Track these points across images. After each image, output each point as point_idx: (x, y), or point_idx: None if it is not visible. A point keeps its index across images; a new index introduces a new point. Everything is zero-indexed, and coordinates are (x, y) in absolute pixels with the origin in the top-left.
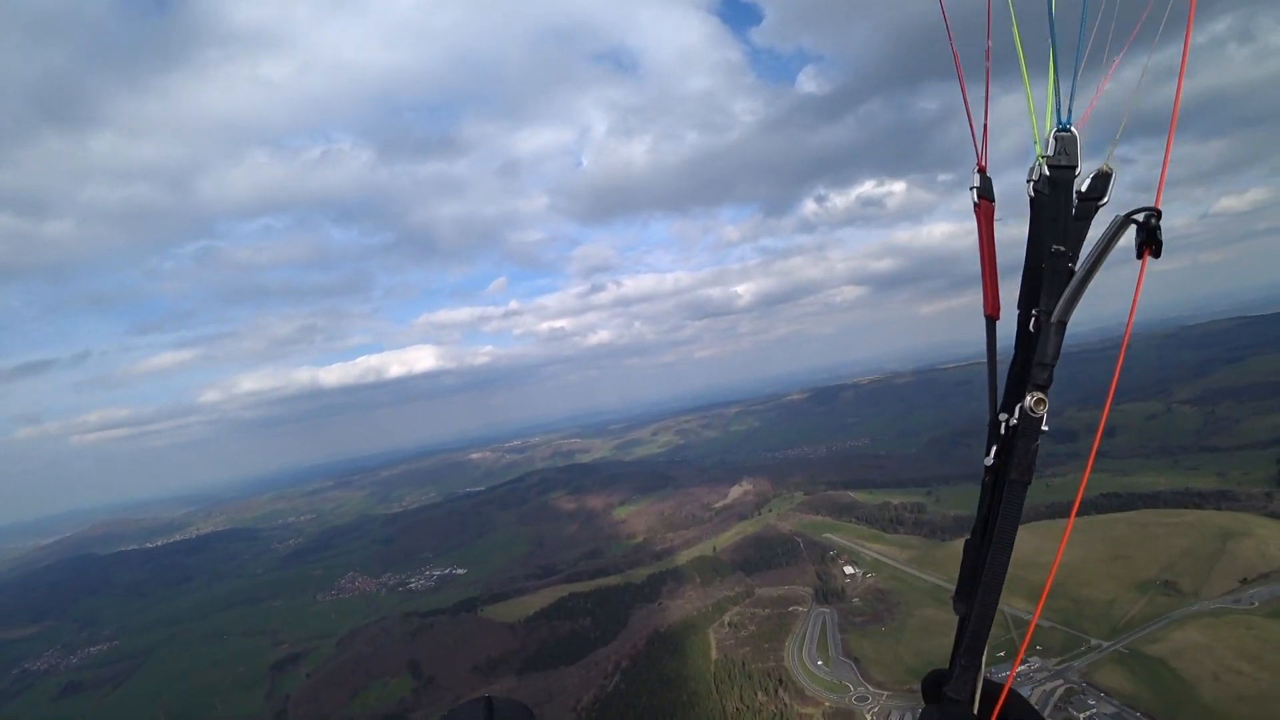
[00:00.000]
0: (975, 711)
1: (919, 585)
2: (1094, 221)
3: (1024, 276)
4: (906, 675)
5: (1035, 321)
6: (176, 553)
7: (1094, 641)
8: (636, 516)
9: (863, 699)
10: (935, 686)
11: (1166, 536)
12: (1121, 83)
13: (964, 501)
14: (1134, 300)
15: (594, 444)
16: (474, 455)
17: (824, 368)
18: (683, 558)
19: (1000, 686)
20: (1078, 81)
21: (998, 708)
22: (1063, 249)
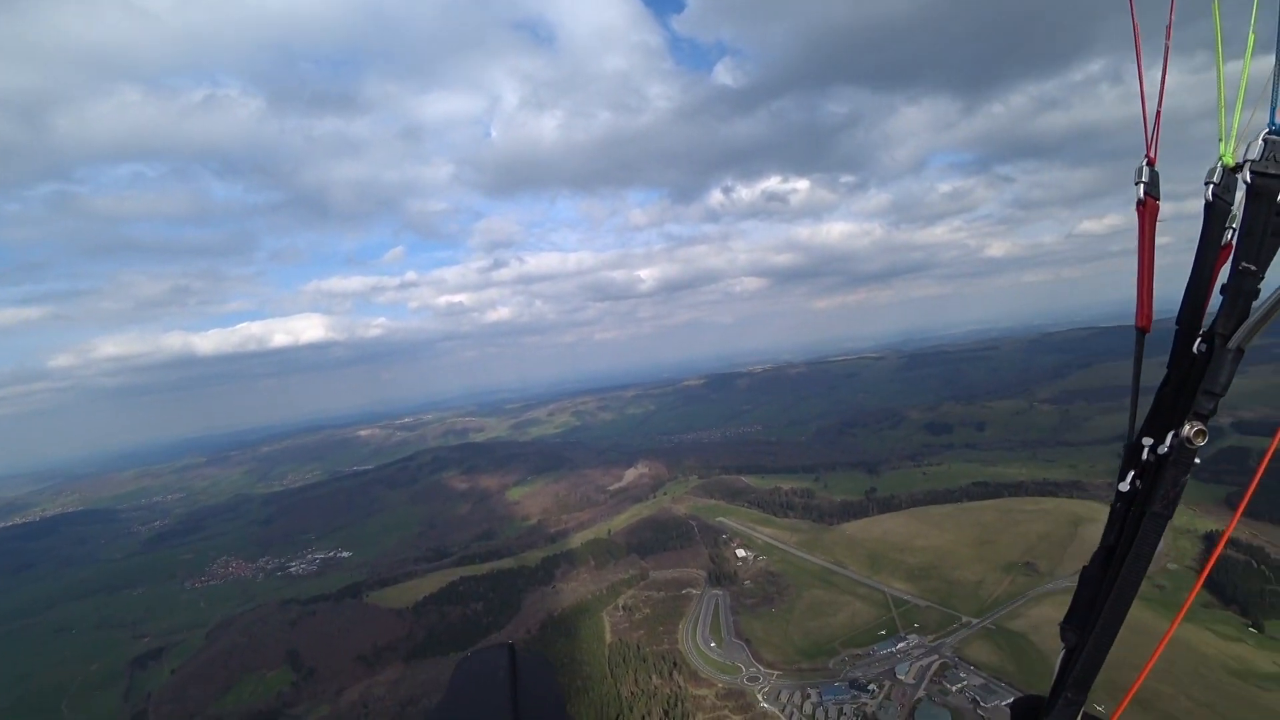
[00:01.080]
0: None
1: (808, 568)
2: None
3: (1188, 291)
4: (796, 655)
5: (1203, 344)
6: (16, 537)
7: (965, 619)
8: (531, 498)
9: (754, 679)
10: (1029, 714)
11: (1027, 522)
12: None
13: (849, 487)
14: None
15: (489, 423)
16: (363, 432)
17: (721, 355)
18: (577, 540)
19: None
20: None
21: None
22: (1254, 268)
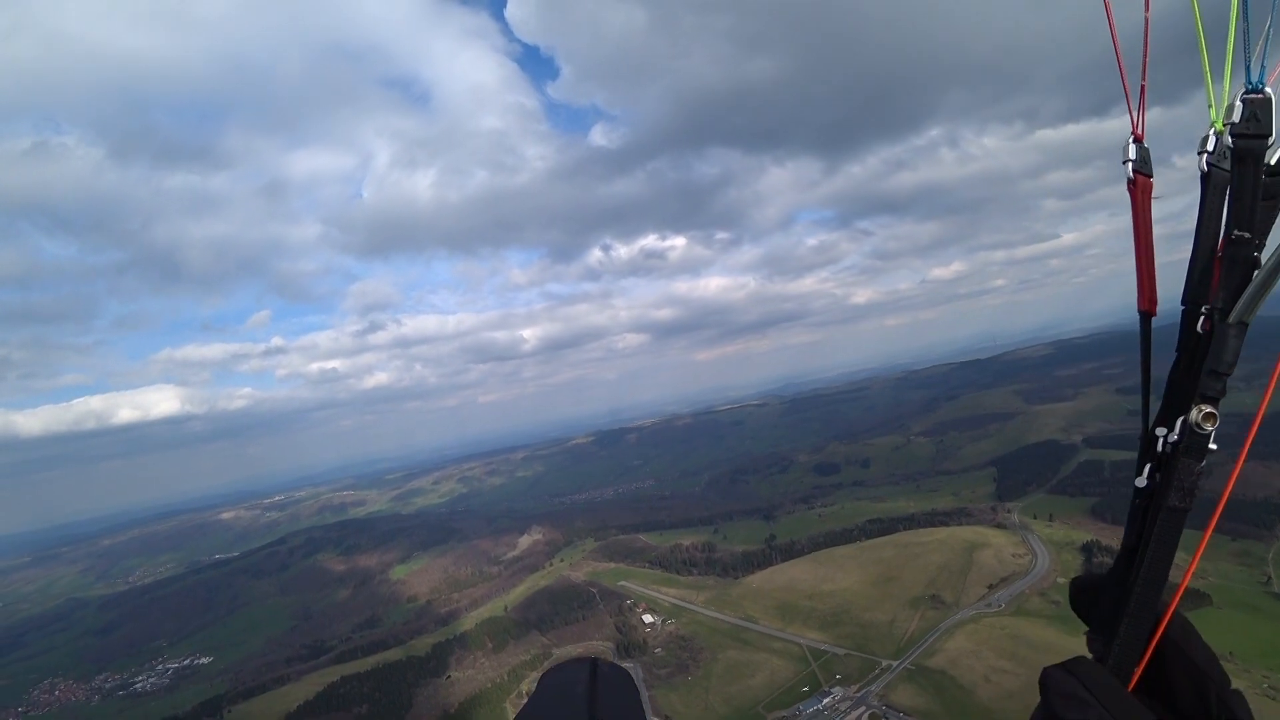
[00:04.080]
0: None
1: (719, 627)
2: None
3: (1191, 267)
4: None
5: (1206, 321)
6: None
7: (884, 662)
8: (418, 576)
9: None
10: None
11: (925, 554)
12: None
13: (748, 536)
14: None
15: (369, 496)
16: (226, 514)
17: (609, 411)
18: (471, 620)
19: None
20: (1271, 34)
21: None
22: (1247, 235)
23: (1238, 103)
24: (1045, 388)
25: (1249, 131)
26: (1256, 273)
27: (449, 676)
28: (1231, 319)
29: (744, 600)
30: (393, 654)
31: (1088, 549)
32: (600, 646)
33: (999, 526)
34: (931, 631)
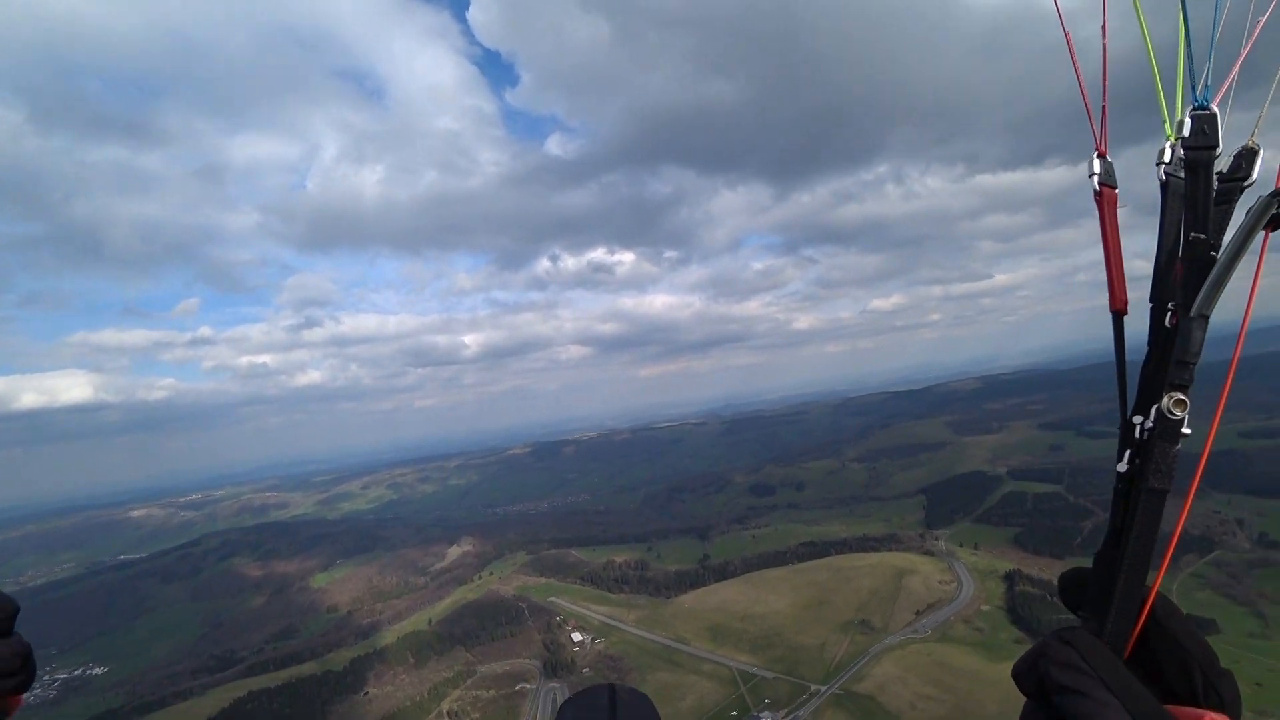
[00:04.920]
0: None
1: (649, 648)
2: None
3: (1156, 268)
4: None
5: (1173, 316)
6: None
7: (814, 687)
8: (340, 585)
9: None
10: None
11: (857, 579)
12: (1263, 50)
13: (682, 555)
14: (1254, 283)
15: (294, 498)
16: (136, 512)
17: (547, 423)
18: (393, 634)
19: None
20: (1214, 54)
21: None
22: (1203, 236)
23: (1187, 118)
24: (973, 420)
25: (1199, 144)
26: (1213, 270)
27: (367, 693)
28: (1193, 312)
29: (676, 620)
30: (308, 668)
31: (1010, 578)
32: (527, 665)
33: (927, 553)
34: (860, 656)
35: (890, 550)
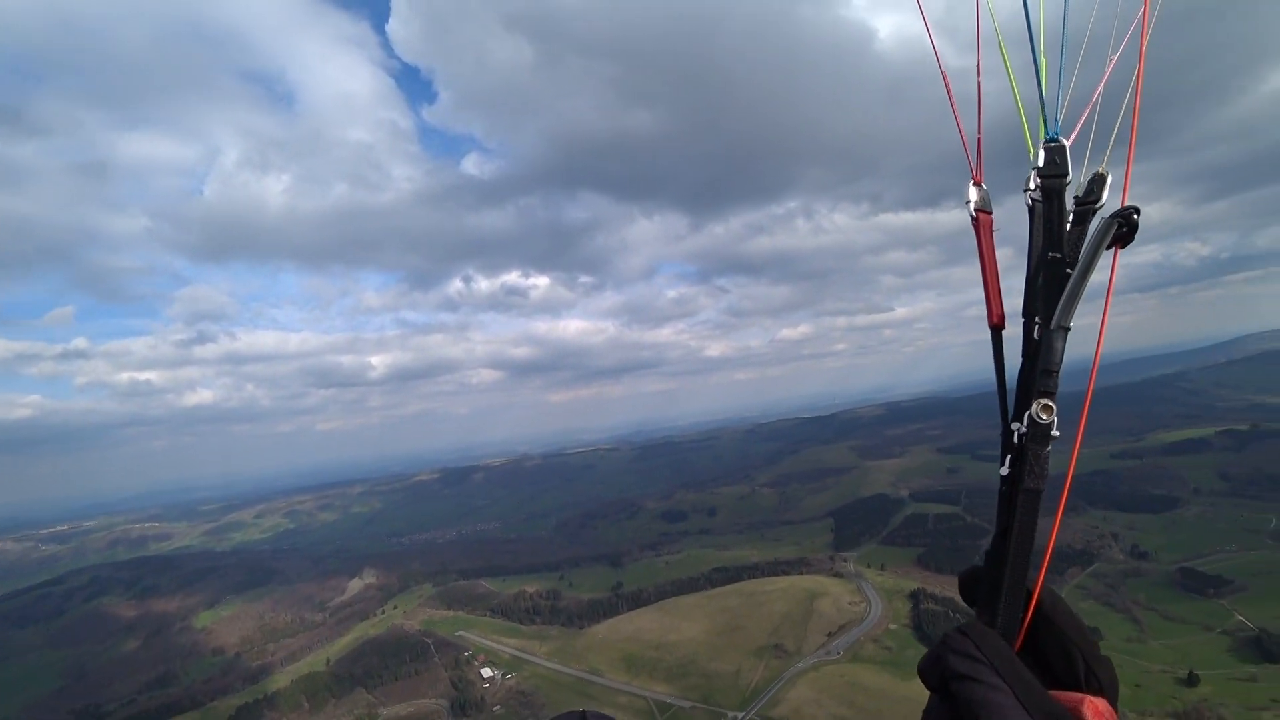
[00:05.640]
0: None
1: (562, 681)
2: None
3: (1026, 285)
4: None
5: (1040, 329)
6: None
7: (731, 714)
8: (227, 624)
9: None
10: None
11: (769, 603)
12: (1119, 82)
13: (595, 584)
14: (1108, 294)
15: (177, 529)
16: None
17: (457, 448)
18: (286, 676)
19: None
20: (1064, 92)
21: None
22: (1059, 255)
23: (1041, 150)
24: (877, 445)
25: (1052, 172)
26: (1068, 285)
27: None
28: (1054, 324)
29: (589, 651)
30: (188, 719)
31: (915, 596)
32: (433, 705)
33: (837, 575)
34: (775, 681)
35: (801, 573)
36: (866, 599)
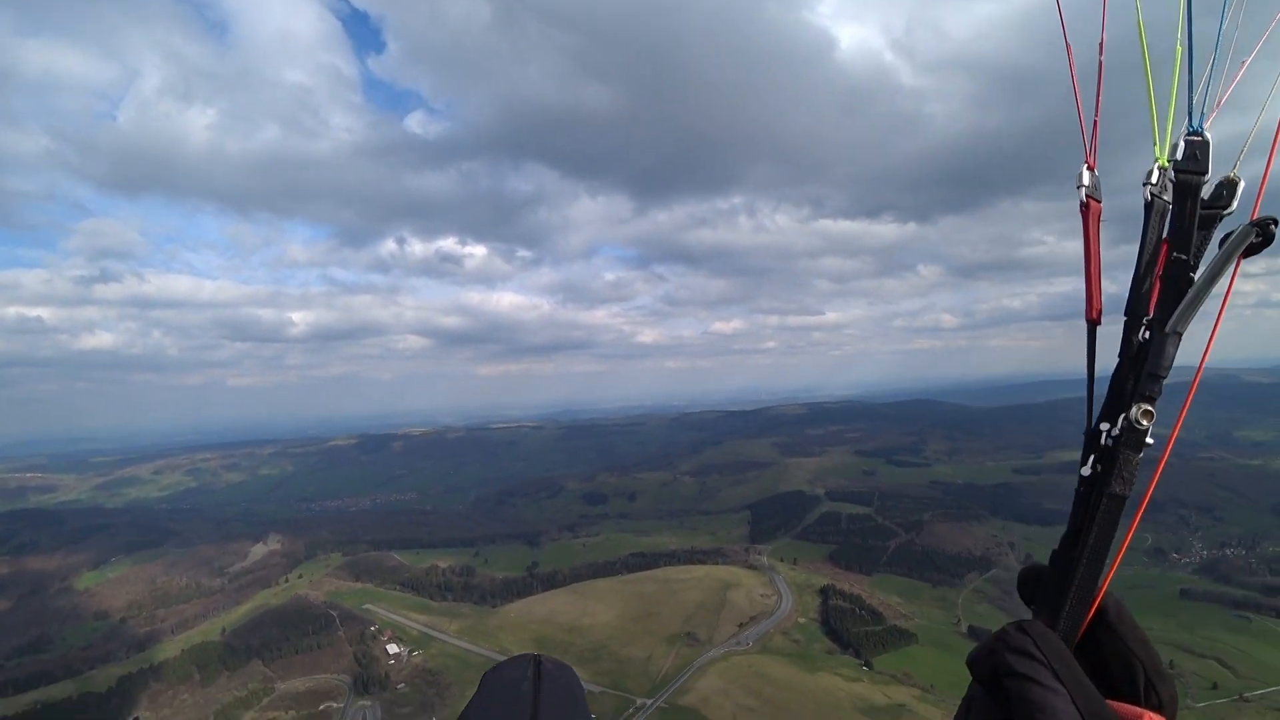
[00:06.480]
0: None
1: (472, 661)
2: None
3: (1133, 283)
4: None
5: (1146, 330)
6: None
7: (639, 701)
8: (113, 586)
9: None
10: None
11: (684, 591)
12: (1250, 83)
13: (510, 562)
14: (1223, 302)
15: (64, 480)
16: None
17: (377, 414)
18: (176, 645)
19: None
20: (1210, 83)
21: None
22: (1184, 257)
23: (1181, 142)
24: (798, 443)
25: (1189, 169)
26: (1190, 290)
27: (137, 718)
28: (1168, 329)
29: (500, 631)
30: (60, 689)
31: (825, 592)
32: (334, 681)
33: (750, 567)
34: (686, 669)
35: (716, 563)
36: (778, 592)
